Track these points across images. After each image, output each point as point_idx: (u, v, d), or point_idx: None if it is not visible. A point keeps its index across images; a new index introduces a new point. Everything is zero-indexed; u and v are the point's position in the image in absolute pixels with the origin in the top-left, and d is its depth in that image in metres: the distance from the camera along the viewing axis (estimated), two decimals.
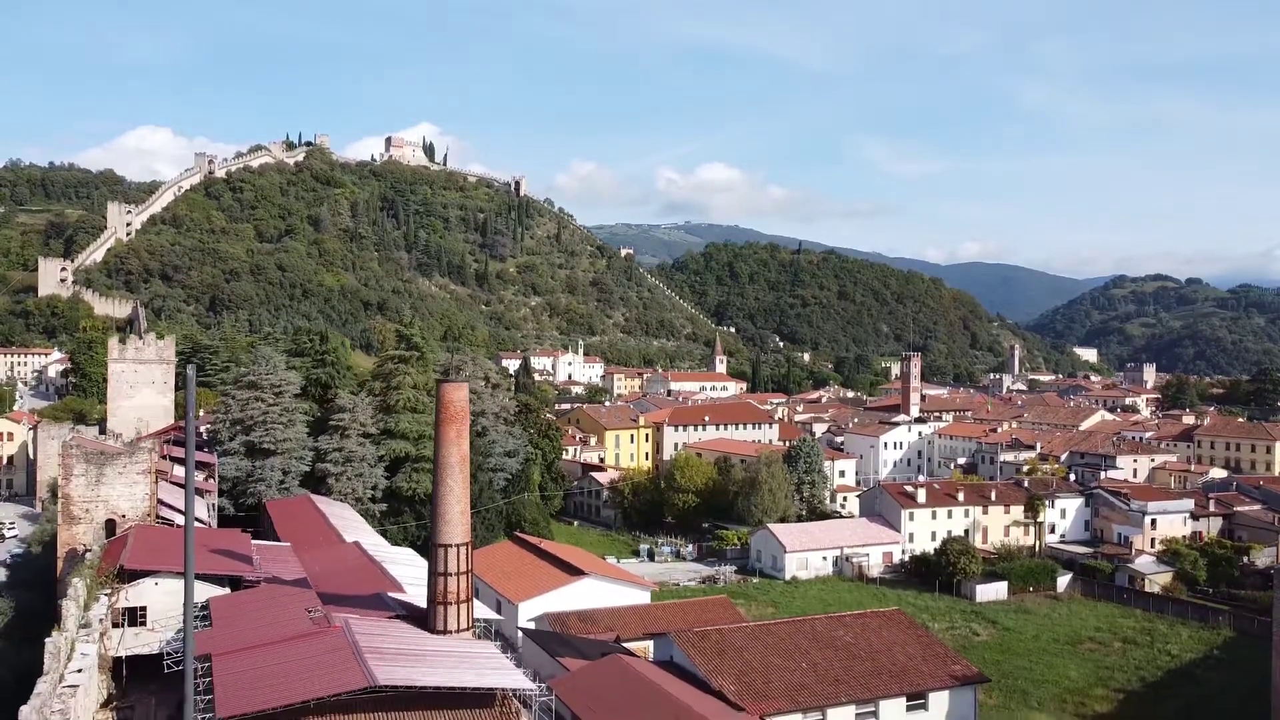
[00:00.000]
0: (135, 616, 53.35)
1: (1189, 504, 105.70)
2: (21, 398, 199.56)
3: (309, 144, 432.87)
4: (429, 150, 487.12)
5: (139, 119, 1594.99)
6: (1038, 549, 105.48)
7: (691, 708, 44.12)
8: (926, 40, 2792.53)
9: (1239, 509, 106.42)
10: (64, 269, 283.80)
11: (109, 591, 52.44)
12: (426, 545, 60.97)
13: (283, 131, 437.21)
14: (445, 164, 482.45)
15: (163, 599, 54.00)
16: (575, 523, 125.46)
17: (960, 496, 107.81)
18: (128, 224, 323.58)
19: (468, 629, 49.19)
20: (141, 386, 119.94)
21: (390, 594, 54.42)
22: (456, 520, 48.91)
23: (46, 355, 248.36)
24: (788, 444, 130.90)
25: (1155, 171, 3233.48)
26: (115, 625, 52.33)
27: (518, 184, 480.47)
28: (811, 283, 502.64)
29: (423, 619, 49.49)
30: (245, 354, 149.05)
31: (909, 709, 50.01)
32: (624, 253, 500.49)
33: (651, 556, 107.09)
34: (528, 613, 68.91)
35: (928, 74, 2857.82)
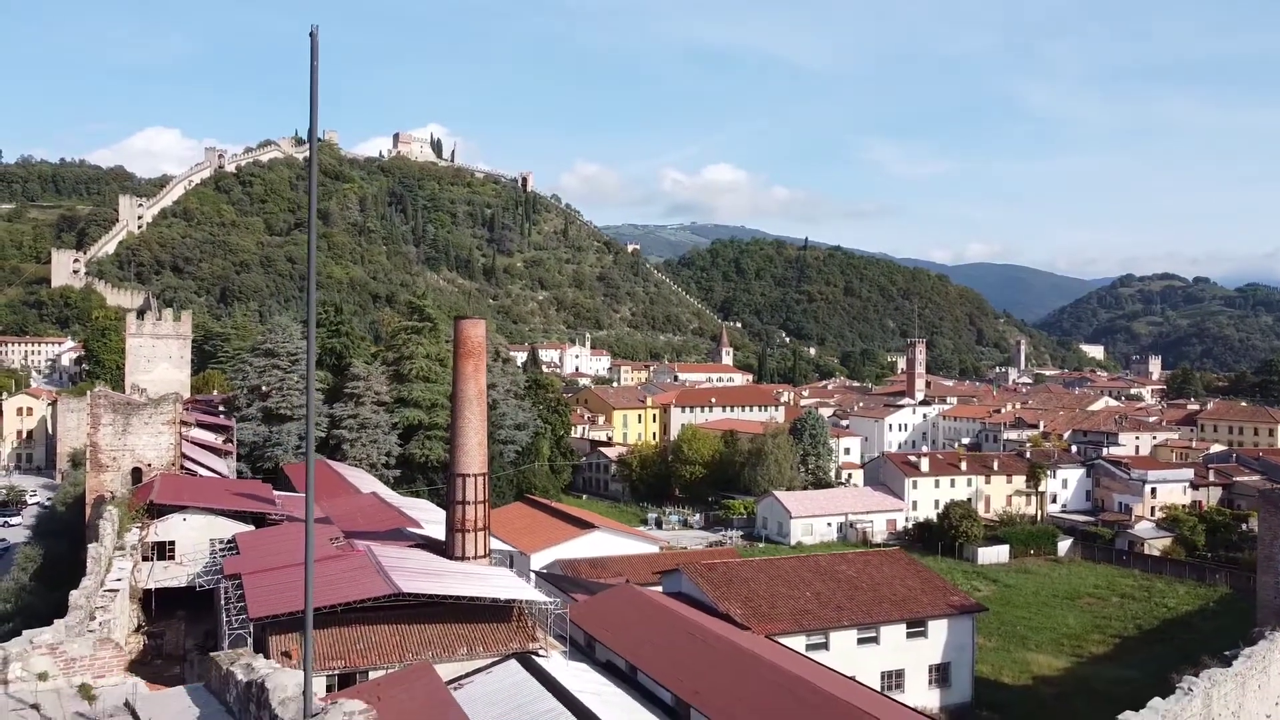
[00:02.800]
0: (164, 551, 55.50)
1: (1188, 473, 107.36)
2: (35, 385, 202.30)
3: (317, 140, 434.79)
4: (436, 147, 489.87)
5: (147, 120, 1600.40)
6: (1039, 517, 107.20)
7: (700, 623, 46.13)
8: (932, 41, 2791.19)
9: (1238, 479, 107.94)
10: (76, 260, 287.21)
11: (140, 526, 54.61)
12: (440, 508, 62.98)
13: (290, 132, 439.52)
14: (453, 160, 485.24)
15: (190, 534, 56.10)
16: (584, 496, 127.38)
17: (963, 466, 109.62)
18: (139, 217, 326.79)
19: (484, 556, 51.25)
20: (159, 361, 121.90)
21: (409, 529, 56.60)
22: (474, 451, 50.95)
23: (60, 344, 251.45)
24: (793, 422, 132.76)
25: (1162, 172, 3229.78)
26: (145, 559, 54.49)
27: (525, 180, 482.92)
28: (818, 279, 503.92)
29: (441, 549, 51.62)
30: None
31: (909, 636, 51.88)
32: (630, 248, 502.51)
33: (659, 525, 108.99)
34: (540, 563, 70.87)
35: (933, 75, 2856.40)
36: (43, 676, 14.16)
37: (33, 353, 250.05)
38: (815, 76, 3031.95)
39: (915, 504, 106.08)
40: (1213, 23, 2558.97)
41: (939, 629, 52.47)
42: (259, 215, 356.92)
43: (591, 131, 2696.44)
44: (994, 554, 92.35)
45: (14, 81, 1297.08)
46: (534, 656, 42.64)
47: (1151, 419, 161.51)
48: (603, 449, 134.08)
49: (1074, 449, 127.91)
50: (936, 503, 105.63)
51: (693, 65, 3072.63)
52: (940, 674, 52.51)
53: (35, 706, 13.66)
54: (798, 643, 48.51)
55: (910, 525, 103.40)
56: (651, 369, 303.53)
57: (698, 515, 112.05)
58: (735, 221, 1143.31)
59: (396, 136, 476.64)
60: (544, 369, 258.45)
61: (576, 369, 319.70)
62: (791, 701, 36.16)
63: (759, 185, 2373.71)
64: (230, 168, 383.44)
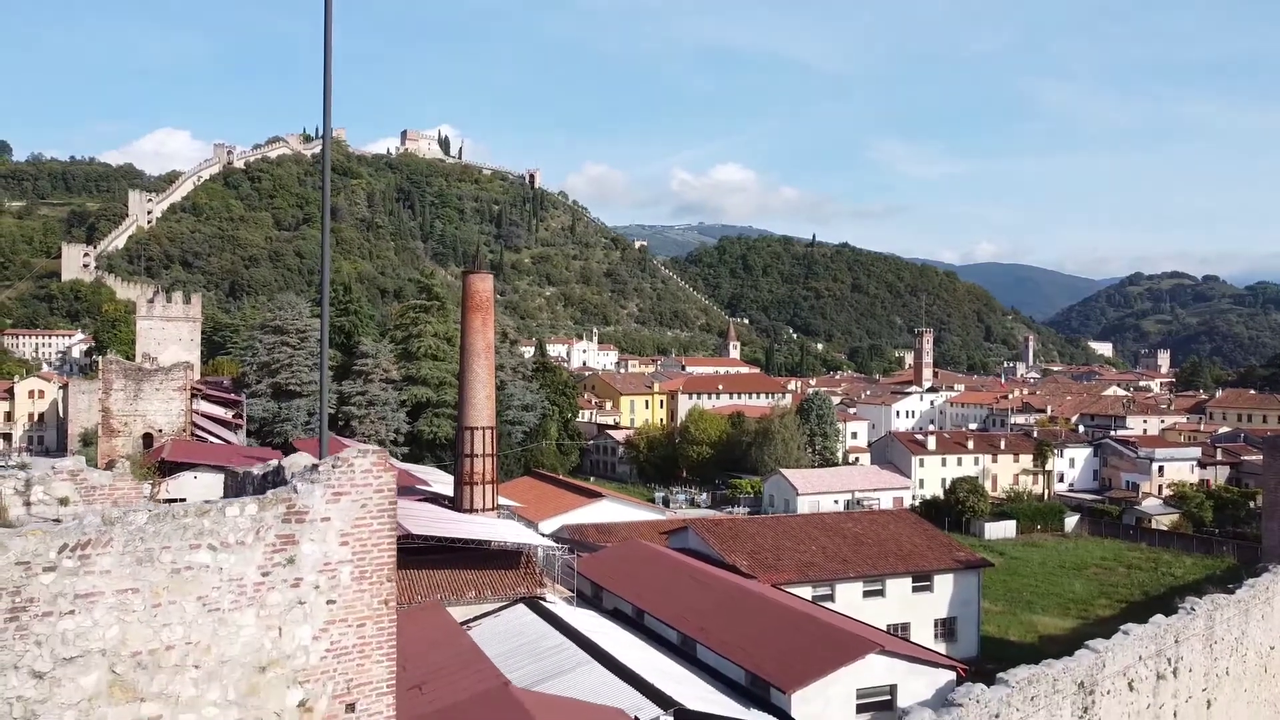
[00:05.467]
0: None
1: (1196, 451, 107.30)
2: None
3: None
4: (444, 144, 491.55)
5: (157, 121, 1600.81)
6: (1046, 496, 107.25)
7: (706, 570, 46.47)
8: (944, 41, 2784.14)
9: (1246, 458, 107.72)
10: (87, 254, 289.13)
11: (151, 483, 55.16)
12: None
13: (298, 129, 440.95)
14: (460, 158, 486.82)
15: (201, 492, 56.53)
16: (591, 478, 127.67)
17: (970, 445, 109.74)
18: (149, 212, 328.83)
19: (492, 509, 51.73)
20: (169, 344, 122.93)
21: (417, 486, 57.08)
22: (482, 404, 51.42)
23: (70, 337, 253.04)
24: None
25: (1172, 171, 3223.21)
26: None
27: (532, 176, 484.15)
28: (825, 275, 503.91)
29: (448, 505, 52.15)
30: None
31: (914, 590, 52.12)
32: (638, 244, 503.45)
33: (666, 504, 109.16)
34: (547, 530, 71.15)
35: (944, 75, 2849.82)
36: (64, 501, 14.51)
37: (43, 345, 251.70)
38: (826, 77, 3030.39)
39: (922, 482, 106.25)
40: (1226, 22, 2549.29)
41: (944, 583, 52.71)
42: (267, 210, 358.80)
43: (599, 132, 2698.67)
44: (1001, 529, 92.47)
45: (23, 81, 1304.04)
46: (541, 601, 43.11)
47: (1160, 405, 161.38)
48: (610, 431, 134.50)
49: (1081, 430, 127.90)
50: (943, 481, 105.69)
51: (702, 66, 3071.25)
52: (946, 628, 52.74)
53: (56, 520, 14.06)
54: (803, 593, 48.73)
55: (917, 503, 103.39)
56: (658, 363, 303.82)
57: (705, 495, 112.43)
58: (743, 222, 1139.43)
59: (404, 134, 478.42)
60: (551, 363, 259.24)
61: (584, 363, 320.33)
62: (798, 633, 36.46)
63: (767, 185, 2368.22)
64: (239, 164, 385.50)
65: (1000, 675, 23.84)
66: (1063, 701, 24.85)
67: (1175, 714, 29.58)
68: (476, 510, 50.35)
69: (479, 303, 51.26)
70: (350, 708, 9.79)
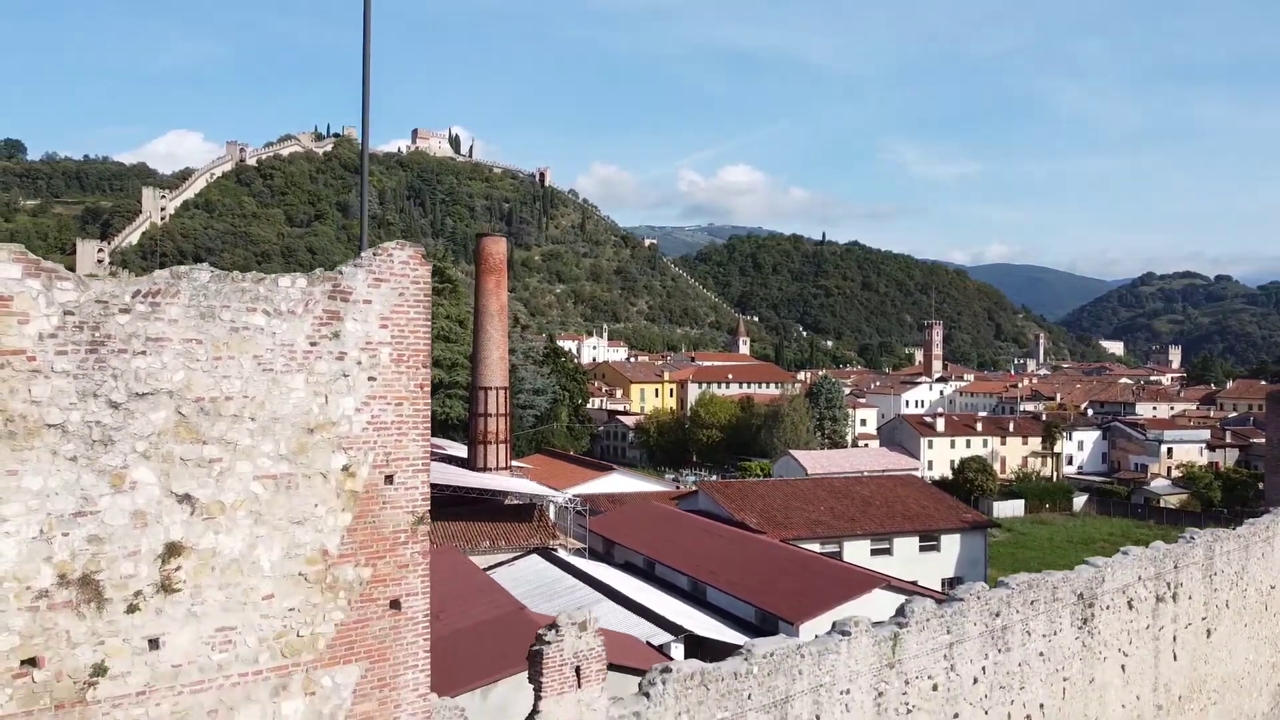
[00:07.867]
0: None
1: (1205, 434, 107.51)
2: None
3: (337, 135, 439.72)
4: (454, 142, 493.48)
5: (169, 124, 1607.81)
6: (1054, 478, 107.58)
7: (716, 525, 47.29)
8: (956, 42, 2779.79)
9: (1255, 440, 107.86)
10: (101, 251, 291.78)
11: None
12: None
13: (310, 127, 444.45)
14: (470, 156, 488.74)
15: None
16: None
17: (978, 428, 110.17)
18: (162, 209, 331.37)
19: (505, 468, 52.65)
20: None
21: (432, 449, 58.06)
22: (496, 364, 52.39)
23: None
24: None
25: (1185, 172, 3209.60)
26: None
27: (542, 175, 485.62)
28: (835, 273, 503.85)
29: (463, 465, 53.08)
30: None
31: (921, 549, 52.80)
32: (647, 242, 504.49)
33: (677, 486, 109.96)
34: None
35: (957, 76, 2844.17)
36: None
37: None
38: (837, 78, 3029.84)
39: (931, 464, 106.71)
40: (1237, 22, 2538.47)
41: (951, 543, 53.38)
42: (279, 207, 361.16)
43: (609, 133, 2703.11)
44: (1009, 508, 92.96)
45: (35, 83, 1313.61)
46: (554, 552, 44.02)
47: (1171, 393, 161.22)
48: (621, 416, 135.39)
49: (1090, 415, 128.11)
50: (952, 463, 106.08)
51: (713, 68, 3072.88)
52: (952, 588, 53.29)
53: None
54: (812, 549, 49.48)
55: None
56: (668, 358, 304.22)
57: (715, 477, 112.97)
58: (752, 223, 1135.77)
59: (415, 132, 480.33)
60: (561, 358, 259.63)
61: (594, 359, 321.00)
62: (805, 573, 37.26)
63: (777, 187, 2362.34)
64: (251, 161, 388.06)
65: (1001, 579, 24.59)
66: (1062, 610, 25.62)
67: (1175, 638, 30.28)
68: (489, 469, 51.30)
69: (493, 265, 52.25)
70: (389, 479, 10.66)
